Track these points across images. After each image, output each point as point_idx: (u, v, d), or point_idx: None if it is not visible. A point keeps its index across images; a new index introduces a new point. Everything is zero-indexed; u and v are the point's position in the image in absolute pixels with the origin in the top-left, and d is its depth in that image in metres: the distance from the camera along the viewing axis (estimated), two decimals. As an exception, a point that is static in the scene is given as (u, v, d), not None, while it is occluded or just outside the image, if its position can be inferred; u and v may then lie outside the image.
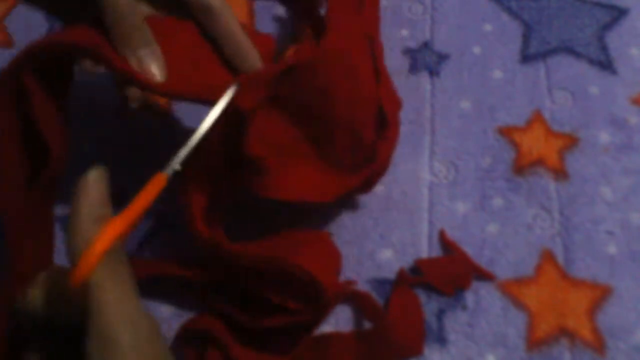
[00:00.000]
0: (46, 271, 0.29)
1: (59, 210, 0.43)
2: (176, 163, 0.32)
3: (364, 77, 0.40)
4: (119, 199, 0.29)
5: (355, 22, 0.41)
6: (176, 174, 0.32)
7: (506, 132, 0.46)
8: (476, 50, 0.50)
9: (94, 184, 0.27)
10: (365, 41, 0.41)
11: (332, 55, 0.37)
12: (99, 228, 0.26)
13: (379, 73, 0.42)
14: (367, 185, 0.41)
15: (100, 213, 0.27)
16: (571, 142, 0.45)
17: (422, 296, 0.40)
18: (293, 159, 0.38)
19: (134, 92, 0.44)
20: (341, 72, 0.37)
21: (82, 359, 0.25)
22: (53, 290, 0.28)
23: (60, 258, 0.41)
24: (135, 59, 0.34)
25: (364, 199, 0.43)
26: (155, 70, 0.34)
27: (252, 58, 0.36)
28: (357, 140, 0.39)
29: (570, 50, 0.49)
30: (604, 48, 0.49)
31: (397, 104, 0.44)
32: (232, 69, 0.37)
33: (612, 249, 0.41)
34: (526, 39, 0.50)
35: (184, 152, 0.33)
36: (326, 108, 0.37)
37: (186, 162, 0.33)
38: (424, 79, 0.48)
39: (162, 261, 0.40)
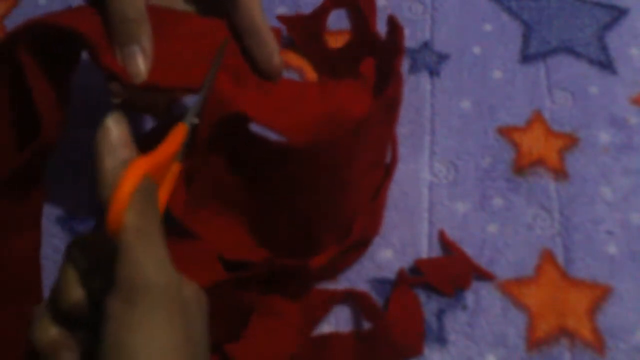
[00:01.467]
0: (77, 242, 0.27)
1: (57, 211, 0.43)
2: (193, 116, 0.32)
3: (354, 174, 0.38)
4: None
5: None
6: (194, 127, 0.32)
7: (506, 132, 0.46)
8: (476, 50, 0.50)
9: (113, 127, 0.26)
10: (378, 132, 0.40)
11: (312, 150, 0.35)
12: (124, 170, 0.25)
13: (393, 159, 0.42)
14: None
15: (124, 155, 0.26)
16: (571, 142, 0.45)
17: (422, 296, 0.40)
18: (223, 207, 0.37)
19: (115, 87, 0.42)
20: (317, 168, 0.36)
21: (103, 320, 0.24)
22: (90, 258, 0.26)
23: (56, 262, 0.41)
24: (121, 54, 0.33)
25: (364, 199, 0.43)
26: (138, 69, 0.33)
27: (272, 48, 0.36)
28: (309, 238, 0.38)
29: (570, 50, 0.49)
30: (604, 48, 0.49)
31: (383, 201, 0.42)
32: (248, 58, 0.37)
33: (612, 249, 0.41)
34: (526, 39, 0.50)
35: (198, 105, 0.32)
36: (285, 192, 0.36)
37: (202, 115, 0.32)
38: (424, 79, 0.48)
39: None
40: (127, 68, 0.33)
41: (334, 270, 0.40)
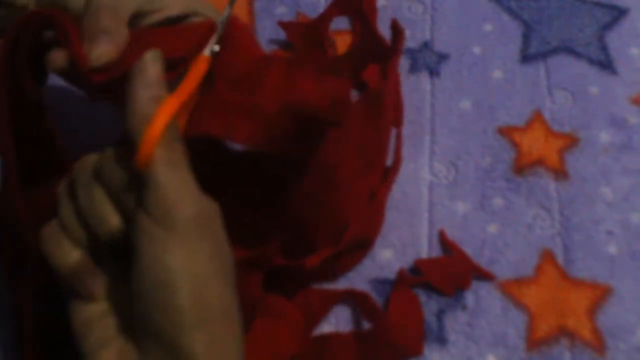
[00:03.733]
0: (97, 160, 0.27)
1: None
2: (213, 44, 0.31)
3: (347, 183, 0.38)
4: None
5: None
6: (215, 55, 0.31)
7: (506, 132, 0.46)
8: (476, 50, 0.50)
9: (151, 63, 0.27)
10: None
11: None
12: (156, 107, 0.26)
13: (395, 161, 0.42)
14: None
15: (157, 93, 0.26)
16: (571, 142, 0.45)
17: (422, 296, 0.40)
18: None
19: (55, 56, 0.33)
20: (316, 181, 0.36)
21: (133, 248, 0.25)
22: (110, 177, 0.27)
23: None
24: (88, 43, 0.30)
25: (364, 199, 0.43)
26: (102, 51, 0.30)
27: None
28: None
29: (570, 50, 0.49)
30: (604, 48, 0.49)
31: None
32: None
33: (612, 249, 0.41)
34: (526, 39, 0.50)
35: (218, 33, 0.32)
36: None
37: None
38: (424, 79, 0.48)
39: None
40: (91, 52, 0.30)
41: (334, 272, 0.40)
